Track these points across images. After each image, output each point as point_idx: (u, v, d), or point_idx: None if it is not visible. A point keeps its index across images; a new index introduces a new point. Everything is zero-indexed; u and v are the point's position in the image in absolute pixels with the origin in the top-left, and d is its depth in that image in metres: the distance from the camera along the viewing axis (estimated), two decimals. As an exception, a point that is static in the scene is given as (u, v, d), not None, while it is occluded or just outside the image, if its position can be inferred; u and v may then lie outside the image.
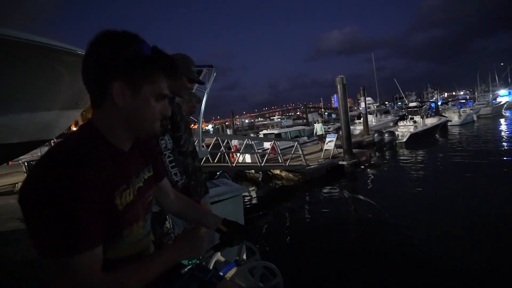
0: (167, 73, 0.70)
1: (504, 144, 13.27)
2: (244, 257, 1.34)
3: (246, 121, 76.07)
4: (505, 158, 10.03)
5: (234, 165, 9.17)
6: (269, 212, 6.87)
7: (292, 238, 5.23)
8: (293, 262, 4.15)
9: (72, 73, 4.37)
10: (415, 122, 17.03)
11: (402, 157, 12.57)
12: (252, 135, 22.83)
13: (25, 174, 8.79)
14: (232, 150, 10.64)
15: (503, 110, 28.40)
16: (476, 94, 39.85)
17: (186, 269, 0.89)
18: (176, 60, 1.07)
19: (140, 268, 0.67)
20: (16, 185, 8.21)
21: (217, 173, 9.63)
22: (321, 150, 11.99)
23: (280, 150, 9.94)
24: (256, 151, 10.04)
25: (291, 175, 9.94)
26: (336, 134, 11.79)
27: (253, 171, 10.59)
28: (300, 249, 4.71)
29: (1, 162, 6.13)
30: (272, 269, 1.22)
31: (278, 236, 5.36)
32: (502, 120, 23.12)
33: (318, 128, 13.95)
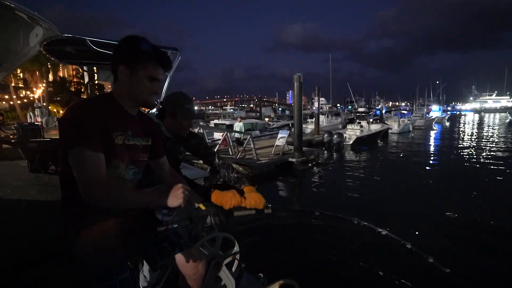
0: (160, 64, 1.07)
1: (430, 152, 16.01)
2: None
3: (196, 108, 74.10)
4: (431, 161, 12.13)
5: (181, 153, 9.08)
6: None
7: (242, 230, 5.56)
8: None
9: (-6, 27, 3.87)
10: (361, 126, 19.07)
11: (347, 158, 14.05)
12: (201, 123, 22.57)
13: None
14: (180, 137, 10.47)
15: (433, 124, 33.56)
16: (414, 106, 45.94)
17: (161, 228, 1.07)
18: (168, 100, 1.55)
19: (133, 190, 1.08)
20: None
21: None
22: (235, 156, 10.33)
23: (231, 142, 10.19)
24: (207, 141, 10.10)
25: (241, 168, 10.28)
26: (289, 131, 12.52)
27: (201, 161, 10.61)
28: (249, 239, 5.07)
29: None
30: (231, 240, 1.46)
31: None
32: (432, 132, 27.43)
33: (237, 128, 12.09)
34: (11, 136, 9.50)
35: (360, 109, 35.58)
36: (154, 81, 1.07)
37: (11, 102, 26.80)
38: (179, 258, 1.21)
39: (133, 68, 1.03)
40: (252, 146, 10.39)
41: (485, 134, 25.75)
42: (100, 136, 0.97)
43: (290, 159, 11.13)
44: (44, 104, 25.01)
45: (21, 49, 4.56)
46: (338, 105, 58.55)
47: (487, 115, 67.61)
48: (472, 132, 27.70)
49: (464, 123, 41.21)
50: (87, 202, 0.91)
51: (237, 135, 11.60)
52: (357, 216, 1.94)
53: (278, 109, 62.65)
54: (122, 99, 1.08)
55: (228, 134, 10.31)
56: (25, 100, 29.44)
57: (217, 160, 1.67)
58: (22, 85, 30.81)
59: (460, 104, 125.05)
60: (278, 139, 11.95)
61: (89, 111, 0.96)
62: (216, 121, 21.14)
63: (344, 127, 22.29)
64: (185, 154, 1.78)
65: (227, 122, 18.21)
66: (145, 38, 1.05)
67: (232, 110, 54.26)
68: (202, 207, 1.17)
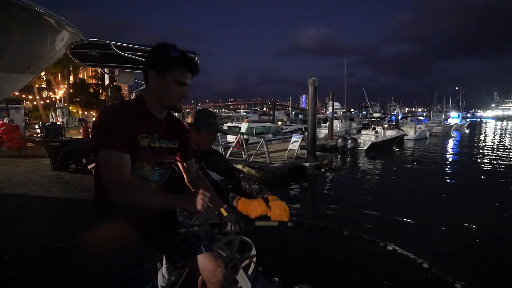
0: (188, 69, 1.11)
1: (448, 160, 15.49)
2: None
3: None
4: (448, 170, 11.74)
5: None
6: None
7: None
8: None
9: (24, 31, 4.08)
10: (376, 132, 18.72)
11: (361, 164, 13.81)
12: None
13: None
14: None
15: (451, 131, 32.48)
16: (431, 112, 44.64)
17: (182, 230, 1.10)
18: (193, 115, 1.61)
19: (154, 192, 1.12)
20: None
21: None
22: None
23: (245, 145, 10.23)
24: (220, 143, 10.19)
25: (253, 172, 10.29)
26: (302, 135, 12.44)
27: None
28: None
29: None
30: (248, 243, 1.48)
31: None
32: (450, 140, 26.56)
33: (243, 129, 12.00)
34: (35, 135, 9.94)
35: (375, 114, 34.97)
36: (182, 85, 1.11)
37: (35, 102, 27.95)
38: (199, 261, 1.23)
39: (162, 73, 1.08)
40: (265, 149, 10.40)
41: (507, 143, 24.70)
42: (124, 138, 1.02)
43: (303, 164, 11.06)
44: (65, 104, 25.99)
45: (48, 52, 4.80)
46: (352, 110, 57.69)
47: (510, 123, 64.80)
48: (493, 141, 26.60)
49: (485, 131, 39.70)
50: (112, 199, 0.99)
51: (244, 136, 11.73)
52: (371, 225, 1.91)
53: (291, 113, 62.36)
54: (151, 103, 1.13)
55: (242, 137, 10.38)
56: (48, 101, 30.63)
57: (238, 174, 1.72)
58: (45, 86, 32.08)
59: (480, 111, 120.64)
60: (292, 143, 11.89)
61: (115, 114, 1.02)
62: (229, 123, 21.27)
63: (359, 132, 21.96)
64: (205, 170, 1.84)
65: (241, 125, 18.29)
66: (174, 45, 1.10)
67: (245, 113, 54.47)
68: (224, 212, 1.18)
